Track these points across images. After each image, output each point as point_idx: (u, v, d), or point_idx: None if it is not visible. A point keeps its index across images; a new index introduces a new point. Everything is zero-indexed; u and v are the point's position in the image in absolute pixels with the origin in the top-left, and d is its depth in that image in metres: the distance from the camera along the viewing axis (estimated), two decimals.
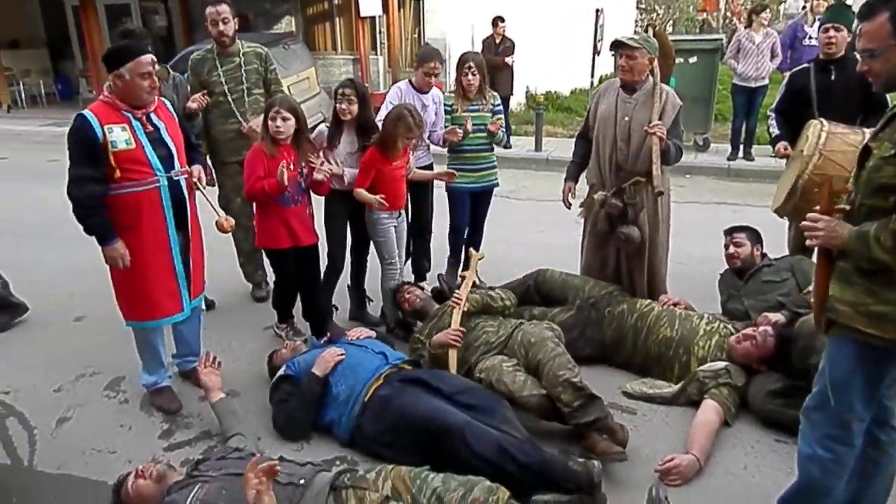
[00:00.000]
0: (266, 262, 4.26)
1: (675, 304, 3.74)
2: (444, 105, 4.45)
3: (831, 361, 2.14)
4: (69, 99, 14.12)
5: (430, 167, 4.52)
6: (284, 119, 3.54)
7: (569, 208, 4.09)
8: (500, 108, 4.55)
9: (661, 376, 3.45)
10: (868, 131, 2.47)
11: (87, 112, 2.95)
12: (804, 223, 2.10)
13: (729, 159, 8.19)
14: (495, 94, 4.56)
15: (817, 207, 2.07)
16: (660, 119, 3.57)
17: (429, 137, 4.42)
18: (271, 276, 4.13)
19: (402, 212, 4.15)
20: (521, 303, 3.93)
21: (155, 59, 3.01)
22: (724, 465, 2.87)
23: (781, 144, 3.88)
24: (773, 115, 4.11)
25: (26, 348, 4.06)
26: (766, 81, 7.90)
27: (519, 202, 7.07)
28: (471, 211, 4.65)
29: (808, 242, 2.11)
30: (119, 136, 2.94)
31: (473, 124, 4.33)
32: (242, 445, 2.69)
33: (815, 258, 2.21)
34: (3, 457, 3.05)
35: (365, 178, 3.79)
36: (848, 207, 2.05)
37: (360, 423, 2.95)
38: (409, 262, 4.65)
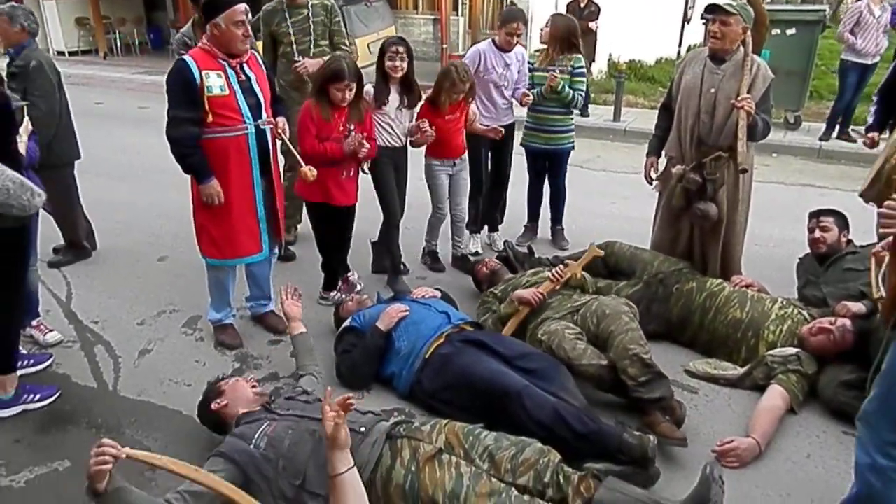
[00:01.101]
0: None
1: (747, 286, 3.63)
2: (528, 62, 4.56)
3: (891, 364, 1.97)
4: (160, 48, 14.67)
5: (512, 126, 4.62)
6: (350, 90, 3.55)
7: (651, 184, 4.00)
8: (582, 70, 4.53)
9: (727, 358, 3.36)
10: None
11: (187, 57, 3.12)
12: (881, 209, 1.94)
13: (821, 139, 7.73)
14: (580, 56, 4.53)
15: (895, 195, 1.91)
16: (749, 92, 3.40)
17: (512, 95, 4.52)
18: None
19: (461, 162, 4.31)
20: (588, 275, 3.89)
21: (248, 9, 3.12)
22: (786, 453, 2.80)
23: (871, 135, 3.64)
24: (877, 98, 3.85)
25: (114, 282, 4.33)
26: (879, 59, 7.36)
27: (593, 172, 6.93)
28: (547, 173, 4.87)
29: (880, 231, 1.95)
30: (215, 82, 3.10)
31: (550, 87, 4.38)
32: (311, 388, 2.80)
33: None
34: (91, 380, 3.30)
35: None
36: None
37: (419, 379, 3.03)
38: (483, 215, 4.80)
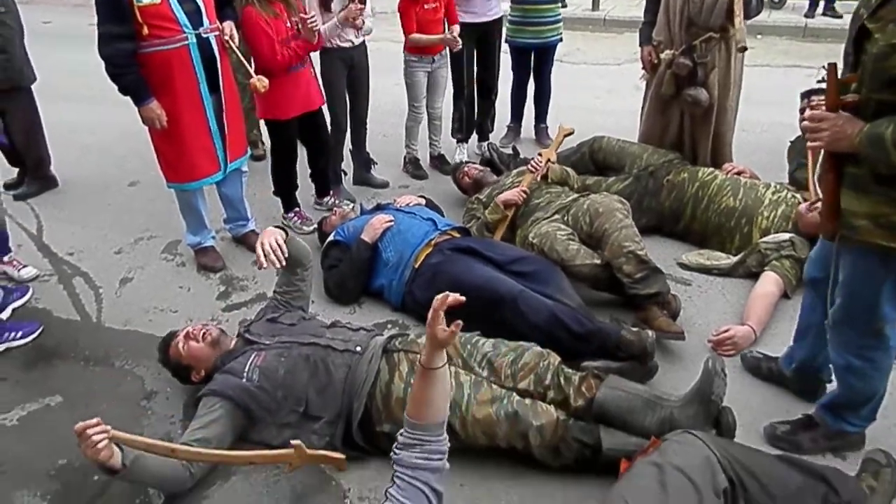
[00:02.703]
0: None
1: (739, 173, 3.54)
2: None
3: (854, 275, 1.93)
4: None
5: (500, 21, 4.36)
6: None
7: (653, 72, 3.73)
8: None
9: (720, 248, 3.33)
10: None
11: None
12: (804, 123, 1.83)
13: (806, 16, 7.48)
14: None
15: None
16: None
17: None
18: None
19: (440, 59, 4.14)
20: (575, 172, 3.79)
21: None
22: (781, 338, 2.80)
23: None
24: None
25: (85, 212, 4.16)
26: None
27: (573, 66, 6.67)
28: (533, 69, 4.64)
29: (809, 145, 1.84)
30: None
31: None
32: (284, 299, 2.66)
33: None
34: (73, 313, 3.21)
35: (409, 22, 3.94)
36: (856, 98, 1.74)
37: (411, 289, 2.97)
38: (471, 123, 4.63)
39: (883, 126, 1.65)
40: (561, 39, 4.58)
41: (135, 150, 4.81)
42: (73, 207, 4.22)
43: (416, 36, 3.94)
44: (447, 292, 1.71)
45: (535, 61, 4.62)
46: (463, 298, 1.68)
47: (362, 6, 3.46)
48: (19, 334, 2.98)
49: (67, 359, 2.90)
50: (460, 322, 1.69)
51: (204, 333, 2.42)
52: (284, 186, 3.84)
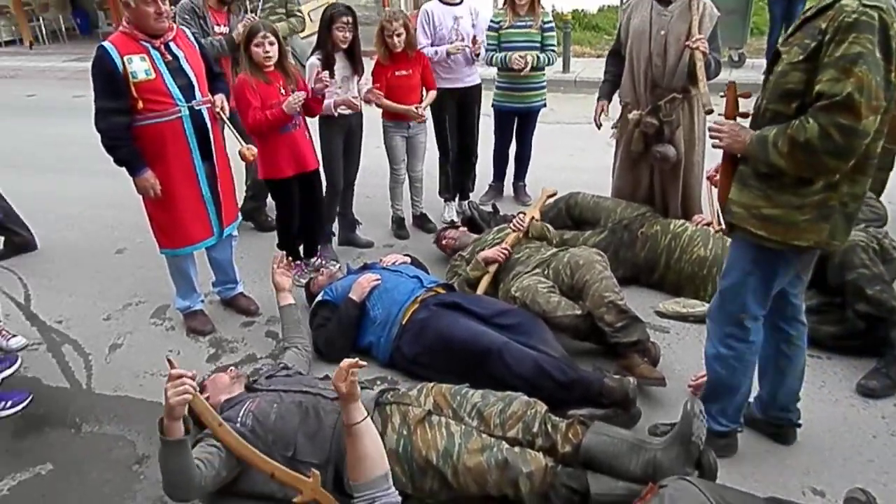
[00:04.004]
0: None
1: (708, 224, 3.71)
2: (492, 22, 4.44)
3: (731, 263, 2.24)
4: (88, 33, 14.06)
5: (478, 87, 4.52)
6: (271, 43, 3.49)
7: (599, 128, 4.03)
8: (551, 25, 4.48)
9: (695, 295, 3.46)
10: None
11: (106, 43, 2.96)
12: (709, 125, 2.18)
13: (765, 73, 7.87)
14: (548, 11, 4.47)
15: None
16: (698, 31, 3.43)
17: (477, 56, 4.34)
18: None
19: (417, 126, 4.27)
20: (553, 227, 3.94)
21: None
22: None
23: None
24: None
25: (73, 279, 4.20)
26: None
27: (546, 126, 6.89)
28: (517, 132, 4.77)
29: (712, 144, 2.17)
30: (139, 67, 2.95)
31: (518, 46, 4.34)
32: (293, 364, 2.79)
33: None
34: (63, 381, 3.22)
35: (379, 88, 4.06)
36: (751, 112, 2.12)
37: (398, 345, 3.04)
38: (452, 184, 4.75)
39: (770, 131, 1.97)
40: (545, 104, 4.73)
41: (121, 218, 4.90)
42: (60, 276, 4.26)
43: (384, 102, 4.10)
44: (357, 361, 1.97)
45: (519, 125, 4.76)
46: (360, 363, 1.99)
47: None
48: (9, 403, 2.98)
49: (58, 426, 2.90)
50: (361, 363, 1.96)
51: (233, 372, 2.66)
52: (286, 241, 3.98)
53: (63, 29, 14.15)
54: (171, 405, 1.91)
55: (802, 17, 1.98)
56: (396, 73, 4.08)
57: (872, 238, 3.06)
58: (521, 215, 3.65)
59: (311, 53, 3.91)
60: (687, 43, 3.41)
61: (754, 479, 2.40)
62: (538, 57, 4.34)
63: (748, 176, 2.09)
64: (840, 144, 1.84)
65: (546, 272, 3.28)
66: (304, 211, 3.97)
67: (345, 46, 3.81)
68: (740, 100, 2.18)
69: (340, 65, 3.87)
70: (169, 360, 2.00)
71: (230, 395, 2.52)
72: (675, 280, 3.56)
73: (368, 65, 4.08)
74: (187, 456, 2.01)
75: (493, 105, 4.70)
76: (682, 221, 3.72)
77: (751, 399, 2.68)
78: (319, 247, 4.15)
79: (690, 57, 3.41)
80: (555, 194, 4.00)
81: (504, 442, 2.22)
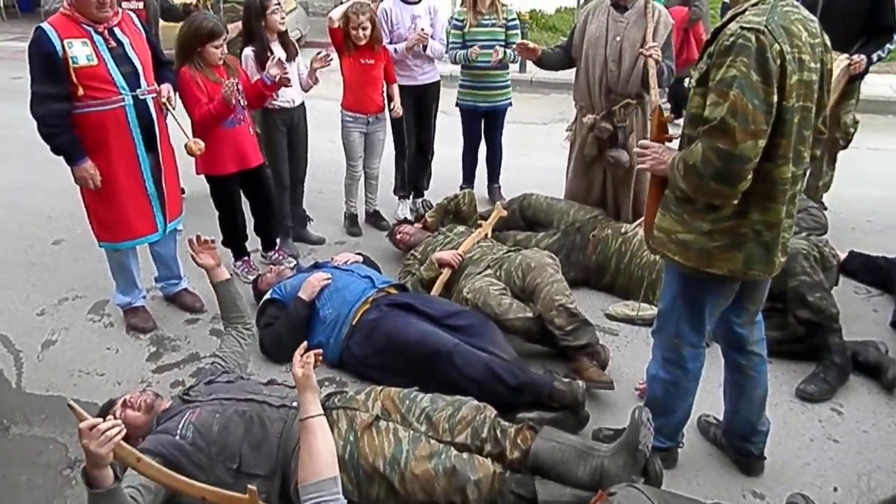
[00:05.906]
0: None
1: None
2: (455, 20, 4.43)
3: (664, 286, 2.26)
4: (30, 12, 13.38)
5: (437, 84, 4.50)
6: (225, 43, 3.43)
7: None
8: (516, 22, 4.46)
9: (644, 299, 3.49)
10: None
11: (45, 25, 2.82)
12: (636, 149, 2.18)
13: None
14: (510, 8, 4.45)
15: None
16: (652, 39, 3.46)
17: (424, 49, 4.29)
18: None
19: (377, 122, 4.24)
20: (506, 227, 3.95)
21: None
22: (706, 383, 2.95)
23: None
24: None
25: (5, 271, 4.00)
26: None
27: (505, 125, 6.94)
28: (485, 131, 4.74)
29: (638, 167, 2.19)
30: (80, 52, 2.82)
31: (482, 45, 4.29)
32: (229, 360, 2.66)
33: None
34: None
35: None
36: (673, 135, 2.14)
37: (348, 346, 2.99)
38: (408, 182, 4.71)
39: (678, 154, 1.96)
40: (510, 104, 4.70)
41: (60, 207, 4.69)
42: None
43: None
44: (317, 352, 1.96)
45: (486, 125, 4.71)
46: (318, 353, 2.03)
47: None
48: None
49: None
50: (318, 351, 1.98)
51: (139, 402, 2.34)
52: (230, 237, 3.86)
53: (2, 6, 13.46)
54: (99, 454, 1.74)
55: (704, 41, 1.98)
56: (362, 62, 4.05)
57: (814, 246, 3.15)
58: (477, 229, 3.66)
59: (242, 48, 3.81)
60: (641, 50, 3.44)
61: (697, 482, 2.45)
62: (506, 52, 4.32)
63: (670, 200, 2.07)
64: (720, 168, 1.81)
65: (498, 273, 3.27)
66: (257, 206, 3.88)
67: (283, 28, 3.74)
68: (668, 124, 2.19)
69: (277, 51, 3.77)
70: (71, 407, 1.78)
71: (157, 414, 2.35)
72: (625, 283, 3.59)
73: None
74: (122, 499, 1.88)
75: (457, 104, 4.67)
76: (633, 225, 3.76)
77: (716, 420, 2.68)
78: (279, 241, 4.06)
79: (644, 64, 3.45)
80: (505, 215, 3.93)
81: (453, 448, 2.19)
